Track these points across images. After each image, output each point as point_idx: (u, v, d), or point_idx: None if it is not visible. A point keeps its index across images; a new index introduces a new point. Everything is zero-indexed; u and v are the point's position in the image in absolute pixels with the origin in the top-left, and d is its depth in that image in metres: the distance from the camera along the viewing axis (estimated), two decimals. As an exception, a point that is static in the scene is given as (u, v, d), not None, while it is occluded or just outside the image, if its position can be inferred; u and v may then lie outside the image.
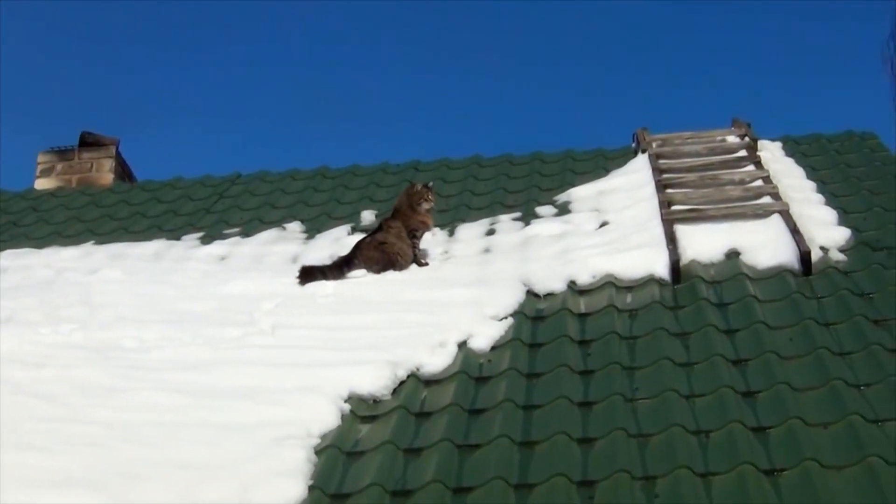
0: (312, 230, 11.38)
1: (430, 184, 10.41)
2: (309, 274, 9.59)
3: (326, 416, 6.97)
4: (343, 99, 31.82)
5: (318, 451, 6.61)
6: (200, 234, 11.65)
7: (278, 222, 11.77)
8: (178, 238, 11.65)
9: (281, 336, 8.19)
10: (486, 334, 8.05)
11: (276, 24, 32.81)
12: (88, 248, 11.63)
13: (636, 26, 32.66)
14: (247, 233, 11.54)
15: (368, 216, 11.55)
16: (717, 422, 6.54)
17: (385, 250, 9.79)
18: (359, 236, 10.82)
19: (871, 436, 6.25)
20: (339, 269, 9.75)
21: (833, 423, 6.44)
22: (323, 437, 6.77)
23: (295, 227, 11.61)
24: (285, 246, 10.88)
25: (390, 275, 9.62)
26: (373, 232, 10.14)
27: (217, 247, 11.12)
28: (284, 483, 6.21)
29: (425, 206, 10.06)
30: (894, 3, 18.35)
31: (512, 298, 8.64)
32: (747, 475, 5.92)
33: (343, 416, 7.02)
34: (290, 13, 32.86)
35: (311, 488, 6.20)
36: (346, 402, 7.17)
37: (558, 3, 31.34)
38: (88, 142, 14.86)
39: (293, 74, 32.05)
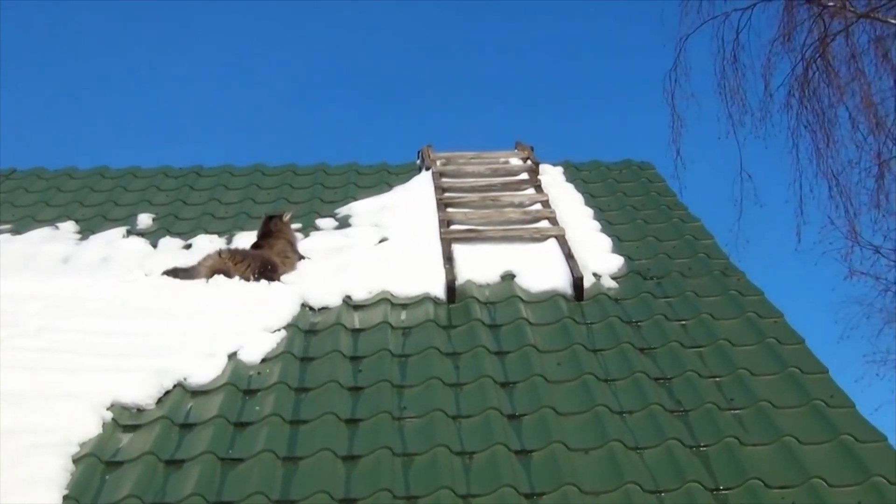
0: (86, 230, 11.09)
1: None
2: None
3: (87, 425, 6.81)
4: (120, 99, 30.86)
5: (77, 460, 6.46)
6: (-34, 230, 11.24)
7: (51, 221, 11.43)
8: (-58, 232, 11.19)
9: (46, 339, 7.92)
10: (257, 346, 7.96)
11: (50, 16, 31.40)
12: None
13: (426, 44, 32.64)
14: (18, 230, 11.17)
15: (146, 219, 11.31)
16: (482, 443, 6.60)
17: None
18: (133, 240, 10.62)
19: (631, 462, 6.40)
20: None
21: (594, 449, 6.56)
22: (82, 445, 6.62)
23: (69, 226, 11.28)
24: (57, 245, 10.57)
25: (166, 281, 9.35)
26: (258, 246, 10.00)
27: (-16, 243, 10.73)
28: (38, 492, 6.04)
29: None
30: (677, 36, 18.67)
31: (286, 311, 8.56)
32: (508, 498, 6.00)
33: (105, 425, 6.87)
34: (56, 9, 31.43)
35: (66, 498, 6.06)
36: (108, 409, 7.02)
37: (349, 14, 30.98)
38: None
39: (69, 69, 30.84)
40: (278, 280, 9.26)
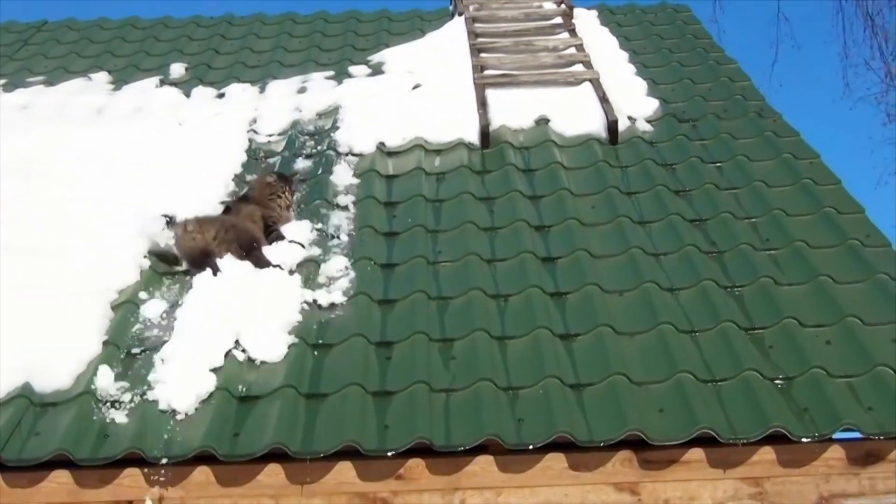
0: (119, 81, 11.04)
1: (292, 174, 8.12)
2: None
3: (126, 272, 6.86)
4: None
5: (116, 307, 6.52)
6: (2, 82, 11.20)
7: (84, 72, 11.39)
8: (-24, 85, 11.17)
9: (80, 190, 7.94)
10: (288, 194, 7.91)
11: None
12: None
13: None
14: (51, 82, 11.13)
15: (178, 69, 11.23)
16: (517, 286, 6.64)
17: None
18: (167, 90, 10.57)
19: (665, 303, 6.41)
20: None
21: (629, 290, 6.58)
22: (121, 292, 6.68)
23: (101, 77, 11.23)
24: (90, 96, 10.53)
25: (202, 131, 9.33)
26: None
27: (19, 95, 10.70)
28: (79, 338, 6.12)
29: (279, 201, 7.65)
30: None
31: (320, 158, 8.56)
32: (542, 339, 6.04)
33: (143, 272, 6.91)
34: None
35: (105, 343, 6.14)
36: (146, 257, 7.05)
37: None
38: None
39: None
40: (265, 261, 6.89)
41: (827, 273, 6.58)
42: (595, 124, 8.99)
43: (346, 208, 7.78)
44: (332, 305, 6.53)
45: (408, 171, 8.36)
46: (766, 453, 5.33)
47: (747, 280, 6.61)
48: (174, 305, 6.53)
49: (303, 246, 7.14)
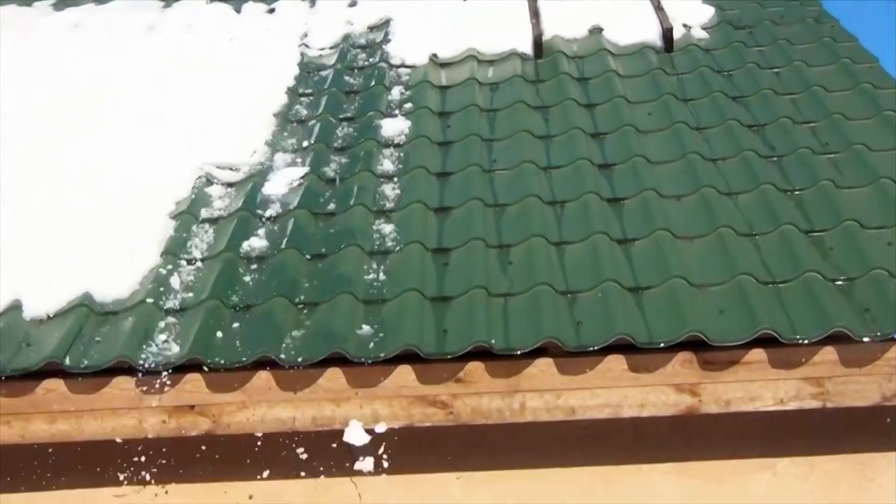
0: (170, -1, 11.00)
1: None
2: None
3: (182, 184, 6.90)
4: None
5: (174, 217, 6.55)
6: (53, 1, 11.18)
7: (134, -11, 11.32)
8: (28, 4, 11.15)
9: (137, 108, 7.96)
10: (345, 105, 7.88)
11: None
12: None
13: None
14: (101, 0, 11.09)
15: (229, -15, 11.17)
16: (574, 192, 6.59)
17: None
18: (217, 5, 10.50)
19: (724, 207, 6.34)
20: None
21: (687, 195, 6.51)
22: (178, 203, 6.71)
23: (152, -6, 11.18)
24: (141, 14, 10.47)
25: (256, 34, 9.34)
26: None
27: (70, 14, 10.66)
28: (136, 249, 6.17)
29: None
30: None
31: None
32: (600, 244, 6.00)
33: (200, 184, 6.93)
34: None
35: (163, 254, 6.16)
36: (202, 169, 7.08)
37: None
38: None
39: None
40: None
41: (888, 175, 6.48)
42: (650, 33, 8.87)
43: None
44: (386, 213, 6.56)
45: (461, 81, 8.28)
46: (828, 353, 5.27)
47: (807, 184, 6.53)
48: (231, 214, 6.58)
49: None
